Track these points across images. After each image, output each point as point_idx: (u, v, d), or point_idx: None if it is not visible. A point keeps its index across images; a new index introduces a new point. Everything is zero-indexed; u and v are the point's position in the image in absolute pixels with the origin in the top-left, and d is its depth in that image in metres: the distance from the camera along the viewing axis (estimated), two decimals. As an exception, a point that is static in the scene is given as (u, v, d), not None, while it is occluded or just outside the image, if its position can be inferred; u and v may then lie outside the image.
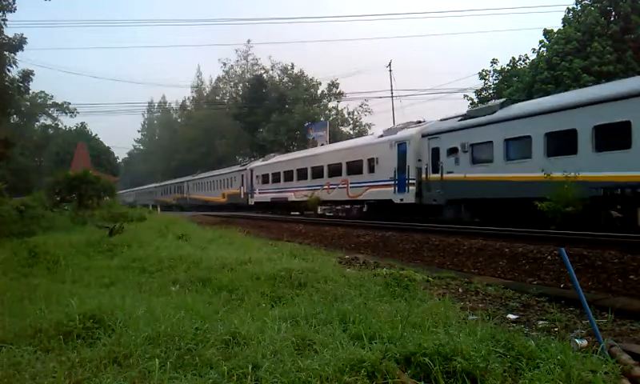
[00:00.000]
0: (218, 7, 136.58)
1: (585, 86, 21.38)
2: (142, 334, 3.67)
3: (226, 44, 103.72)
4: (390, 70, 42.01)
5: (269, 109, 52.71)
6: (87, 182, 21.76)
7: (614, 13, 27.49)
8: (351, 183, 23.66)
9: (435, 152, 18.01)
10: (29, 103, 54.38)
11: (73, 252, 9.36)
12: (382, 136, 22.62)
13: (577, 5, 29.08)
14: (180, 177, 57.47)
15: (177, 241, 11.61)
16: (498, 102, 17.66)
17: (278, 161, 32.87)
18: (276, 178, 31.87)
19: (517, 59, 33.77)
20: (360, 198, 23.15)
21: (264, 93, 55.21)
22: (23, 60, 45.64)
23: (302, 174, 28.45)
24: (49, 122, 65.52)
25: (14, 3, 19.15)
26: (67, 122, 72.13)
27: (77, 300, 4.68)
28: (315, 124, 47.04)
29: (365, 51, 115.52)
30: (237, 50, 75.70)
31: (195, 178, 50.23)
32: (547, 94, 22.08)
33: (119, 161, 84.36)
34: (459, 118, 18.06)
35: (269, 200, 32.36)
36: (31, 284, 6.29)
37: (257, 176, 34.60)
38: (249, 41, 77.81)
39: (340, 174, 24.62)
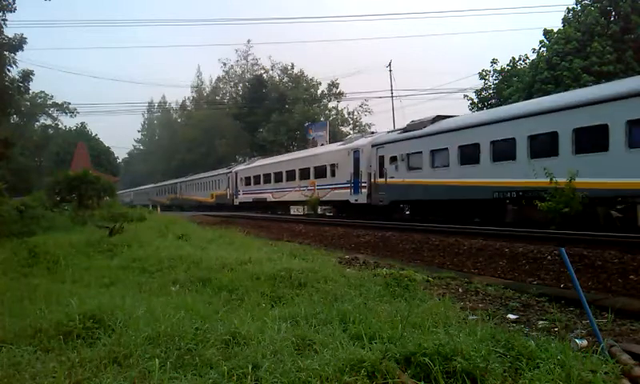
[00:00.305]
0: (218, 7, 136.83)
1: (585, 85, 21.81)
2: (141, 333, 3.67)
3: (226, 44, 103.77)
4: (390, 70, 42.18)
5: (269, 109, 52.73)
6: (87, 182, 21.76)
7: (613, 13, 27.49)
8: (318, 186, 26.79)
9: (381, 159, 20.95)
10: (29, 103, 54.39)
11: (73, 252, 9.36)
12: (341, 144, 26.32)
13: (577, 5, 29.08)
14: (179, 177, 58.91)
15: (177, 241, 11.61)
16: (429, 118, 19.89)
17: (259, 165, 35.93)
18: (257, 180, 34.96)
19: (517, 59, 33.80)
20: (325, 198, 26.22)
21: (264, 93, 55.23)
22: (23, 60, 45.61)
23: (278, 177, 31.70)
24: (49, 122, 65.63)
25: (14, 3, 19.15)
26: (67, 122, 72.17)
27: (77, 300, 4.67)
28: (315, 124, 47.06)
29: (365, 51, 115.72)
30: (237, 50, 75.75)
31: (187, 179, 52.68)
32: (547, 93, 22.09)
33: (119, 161, 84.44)
34: (399, 131, 21.54)
35: (251, 200, 35.53)
36: (31, 284, 6.29)
37: (240, 178, 37.73)
38: (249, 41, 77.96)
39: (309, 178, 27.71)
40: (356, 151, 23.40)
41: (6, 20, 19.13)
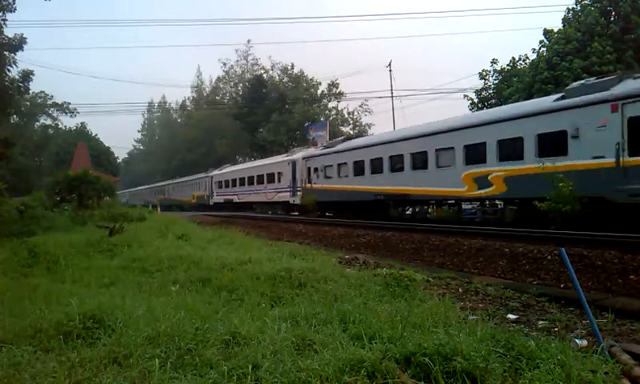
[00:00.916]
0: (218, 7, 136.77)
1: None
2: (141, 333, 3.68)
3: (226, 44, 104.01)
4: (390, 70, 42.13)
5: (269, 109, 52.72)
6: (87, 182, 21.74)
7: (614, 13, 27.48)
8: (269, 189, 33.02)
9: (309, 170, 27.27)
10: (29, 103, 54.41)
11: (73, 252, 9.36)
12: (285, 157, 32.98)
13: (577, 5, 29.05)
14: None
15: (177, 241, 11.61)
16: (341, 139, 29.26)
17: (228, 171, 42.34)
18: (227, 184, 41.38)
19: (517, 59, 33.77)
20: (274, 200, 32.32)
21: (264, 93, 55.22)
22: (23, 60, 45.85)
23: (242, 182, 37.91)
24: (49, 122, 65.63)
25: (14, 3, 19.13)
26: (67, 122, 72.40)
27: (77, 300, 4.67)
28: (315, 124, 47.07)
29: (365, 51, 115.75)
30: (237, 50, 75.95)
31: (173, 182, 58.85)
32: (547, 93, 22.11)
33: (119, 161, 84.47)
34: (322, 148, 29.07)
35: (222, 201, 41.62)
36: (31, 284, 6.29)
37: (215, 182, 44.13)
38: (249, 41, 78.07)
39: (264, 183, 33.91)
40: (294, 162, 29.60)
41: (6, 20, 19.13)
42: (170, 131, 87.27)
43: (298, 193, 28.49)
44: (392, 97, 41.93)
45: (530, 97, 23.78)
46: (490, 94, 34.73)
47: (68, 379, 3.02)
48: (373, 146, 22.25)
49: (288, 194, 30.06)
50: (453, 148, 17.09)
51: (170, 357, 3.28)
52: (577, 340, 3.85)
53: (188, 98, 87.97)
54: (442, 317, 4.35)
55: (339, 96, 55.24)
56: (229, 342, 3.60)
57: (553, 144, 13.55)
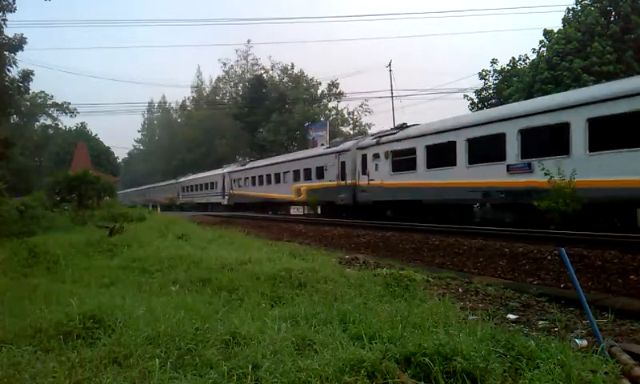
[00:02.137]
0: (218, 7, 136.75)
1: (585, 85, 21.96)
2: (141, 333, 3.67)
3: (226, 44, 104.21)
4: (390, 70, 42.10)
5: (269, 109, 52.72)
6: (87, 182, 21.74)
7: (614, 13, 27.47)
8: (208, 193, 45.82)
9: (231, 180, 40.28)
10: (29, 103, 54.42)
11: (73, 252, 9.36)
12: (219, 170, 44.71)
13: (577, 5, 29.05)
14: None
15: (177, 241, 11.61)
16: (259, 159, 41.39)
17: (190, 178, 52.63)
18: (190, 188, 51.83)
19: (517, 59, 33.78)
20: (209, 201, 44.94)
21: (264, 93, 55.22)
22: (23, 60, 45.85)
23: (199, 187, 48.66)
24: (49, 122, 65.64)
25: (14, 3, 19.16)
26: (67, 122, 72.45)
27: (77, 300, 4.67)
28: (315, 124, 47.07)
29: (365, 51, 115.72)
30: (237, 50, 76.00)
31: (153, 186, 69.34)
32: (547, 93, 22.13)
33: (119, 161, 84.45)
34: (240, 165, 41.51)
35: (184, 201, 51.79)
36: (31, 284, 6.29)
37: (182, 187, 54.65)
38: (249, 41, 78.07)
39: (207, 189, 45.97)
40: (224, 175, 41.72)
41: (6, 20, 19.15)
42: (170, 131, 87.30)
43: (227, 197, 41.05)
44: (392, 97, 41.96)
45: (530, 97, 23.79)
46: (490, 94, 34.73)
47: (68, 379, 3.02)
48: (268, 165, 34.14)
49: (220, 197, 42.75)
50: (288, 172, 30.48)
51: (170, 357, 3.28)
52: (577, 340, 3.85)
53: (188, 98, 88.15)
54: (441, 317, 4.35)
55: (339, 96, 55.30)
56: (229, 342, 3.60)
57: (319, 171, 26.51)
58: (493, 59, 34.04)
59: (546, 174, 12.75)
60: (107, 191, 24.11)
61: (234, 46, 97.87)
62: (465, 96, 36.66)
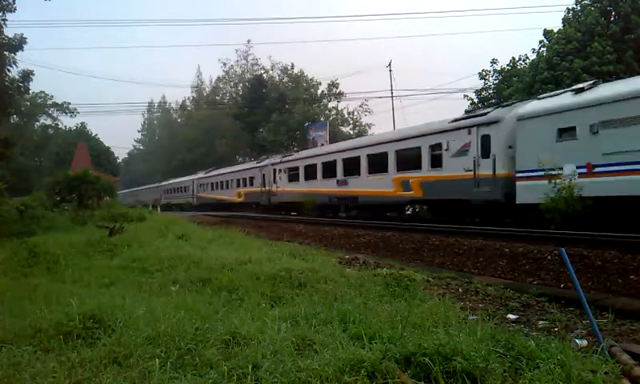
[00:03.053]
0: (218, 7, 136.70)
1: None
2: (141, 333, 3.67)
3: (226, 44, 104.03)
4: (390, 70, 42.10)
5: (269, 109, 52.71)
6: (87, 182, 21.74)
7: (614, 13, 27.47)
8: (179, 195, 53.92)
9: (199, 186, 47.35)
10: (29, 103, 54.41)
11: (73, 252, 9.36)
12: (189, 176, 52.36)
13: (577, 5, 29.05)
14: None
15: (177, 241, 11.60)
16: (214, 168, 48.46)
17: (171, 182, 59.16)
18: (170, 191, 58.35)
19: (517, 59, 33.76)
20: (176, 202, 52.44)
21: (264, 93, 55.20)
22: (23, 60, 45.81)
23: (176, 190, 55.61)
24: (49, 122, 65.62)
25: (14, 3, 19.13)
26: (67, 122, 72.40)
27: (77, 300, 4.67)
28: (315, 124, 47.05)
29: (365, 51, 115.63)
30: (237, 50, 75.99)
31: (138, 188, 74.16)
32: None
33: (119, 161, 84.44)
34: (206, 173, 47.47)
35: (166, 202, 57.03)
36: (31, 284, 6.29)
37: (163, 189, 60.50)
38: (249, 41, 78.05)
39: (183, 192, 52.79)
40: (193, 181, 49.08)
41: (6, 20, 19.13)
42: (170, 131, 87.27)
43: (196, 200, 48.21)
44: (392, 97, 41.96)
45: (529, 96, 23.79)
46: (490, 93, 34.73)
47: (68, 379, 3.02)
48: (220, 174, 42.43)
49: (190, 198, 50.40)
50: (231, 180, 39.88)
51: (170, 357, 3.28)
52: (577, 340, 3.85)
53: (188, 98, 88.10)
54: (441, 317, 4.35)
55: (339, 96, 55.23)
56: (229, 342, 3.60)
57: (250, 180, 35.30)
58: (493, 59, 34.04)
59: (353, 186, 22.40)
60: (107, 191, 24.11)
61: (234, 46, 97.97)
62: (465, 96, 36.69)
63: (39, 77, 66.47)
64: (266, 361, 3.12)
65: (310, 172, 26.69)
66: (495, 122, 15.42)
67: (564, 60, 26.11)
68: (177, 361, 3.25)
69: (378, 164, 20.80)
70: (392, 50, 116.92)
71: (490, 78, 34.67)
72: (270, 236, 16.03)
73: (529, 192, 13.50)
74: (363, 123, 55.93)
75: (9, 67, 20.37)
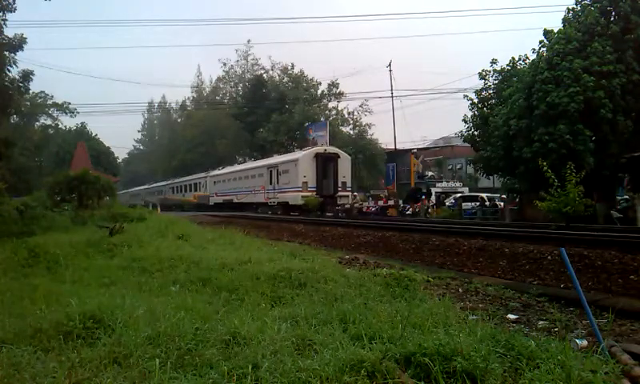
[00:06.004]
0: (218, 7, 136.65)
1: (585, 85, 22.11)
2: (141, 333, 3.67)
3: (226, 44, 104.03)
4: (390, 70, 42.21)
5: (269, 109, 52.69)
6: (87, 182, 21.71)
7: (614, 13, 27.40)
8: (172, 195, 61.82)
9: (168, 189, 60.42)
10: (29, 103, 54.13)
11: (73, 252, 9.35)
12: (166, 181, 63.19)
13: (577, 5, 28.97)
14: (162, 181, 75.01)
15: (177, 241, 11.59)
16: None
17: (152, 186, 67.55)
18: (152, 193, 64.35)
19: (517, 59, 33.67)
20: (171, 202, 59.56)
21: (264, 93, 55.18)
22: (23, 60, 45.61)
23: (155, 193, 62.69)
24: (49, 122, 65.30)
25: (14, 3, 19.13)
26: (67, 122, 71.88)
27: (77, 300, 4.67)
28: (315, 124, 47.04)
29: (365, 51, 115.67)
30: (237, 50, 75.64)
31: (131, 189, 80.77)
32: (547, 93, 22.14)
33: (119, 161, 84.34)
34: (175, 178, 62.22)
35: (148, 202, 64.15)
36: (31, 284, 6.28)
37: (146, 192, 68.51)
38: (249, 41, 77.70)
39: (162, 194, 60.57)
40: (165, 185, 59.57)
41: (6, 20, 19.12)
42: (170, 131, 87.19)
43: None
44: (392, 97, 41.98)
45: (529, 96, 23.74)
46: (490, 94, 34.67)
47: (68, 379, 3.01)
48: (182, 180, 55.50)
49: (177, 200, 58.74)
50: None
51: (170, 357, 3.28)
52: (577, 340, 3.85)
53: (188, 98, 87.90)
54: (441, 317, 4.34)
55: (339, 96, 55.16)
56: (229, 342, 3.60)
57: (200, 186, 51.74)
58: (493, 59, 33.88)
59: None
60: (107, 191, 24.08)
61: (234, 46, 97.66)
62: (465, 96, 36.60)
63: (39, 77, 66.21)
64: (265, 361, 3.12)
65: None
66: (208, 175, 48.65)
67: (564, 60, 26.03)
68: (177, 361, 3.25)
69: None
70: (392, 50, 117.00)
71: (490, 78, 34.60)
72: (270, 236, 16.03)
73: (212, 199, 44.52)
74: (363, 123, 55.94)
75: (9, 67, 20.37)
